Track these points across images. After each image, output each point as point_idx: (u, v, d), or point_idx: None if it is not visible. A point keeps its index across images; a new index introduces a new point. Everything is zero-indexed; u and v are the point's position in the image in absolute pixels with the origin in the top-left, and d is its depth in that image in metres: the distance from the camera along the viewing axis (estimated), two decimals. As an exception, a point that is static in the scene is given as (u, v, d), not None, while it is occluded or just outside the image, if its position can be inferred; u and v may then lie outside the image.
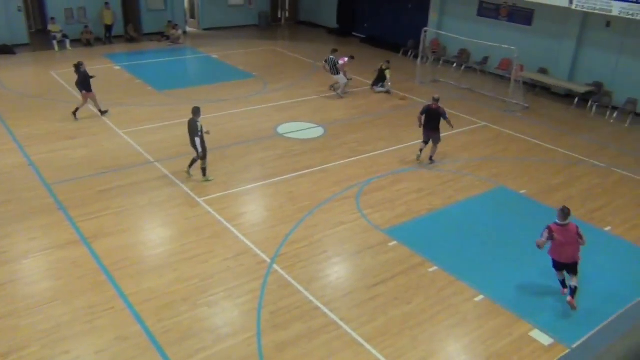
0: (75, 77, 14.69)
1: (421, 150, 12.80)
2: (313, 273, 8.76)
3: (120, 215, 10.18)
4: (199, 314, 7.73)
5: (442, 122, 12.55)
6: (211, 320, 7.64)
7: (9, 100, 15.96)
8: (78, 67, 14.53)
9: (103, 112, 15.03)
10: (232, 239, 9.58)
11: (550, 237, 8.07)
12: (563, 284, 8.54)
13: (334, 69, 17.36)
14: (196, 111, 11.11)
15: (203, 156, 11.27)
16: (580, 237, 8.11)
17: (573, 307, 8.17)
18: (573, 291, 8.21)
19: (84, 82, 14.48)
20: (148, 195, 10.89)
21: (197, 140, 11.00)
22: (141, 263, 8.83)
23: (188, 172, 11.58)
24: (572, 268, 8.24)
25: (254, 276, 8.59)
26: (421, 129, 12.68)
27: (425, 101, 17.35)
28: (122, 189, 11.08)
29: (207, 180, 11.50)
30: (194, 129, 11.04)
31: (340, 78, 17.49)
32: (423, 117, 12.54)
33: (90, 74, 14.68)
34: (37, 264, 8.74)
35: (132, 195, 10.88)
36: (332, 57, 17.42)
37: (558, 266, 8.35)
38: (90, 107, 15.06)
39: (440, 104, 12.50)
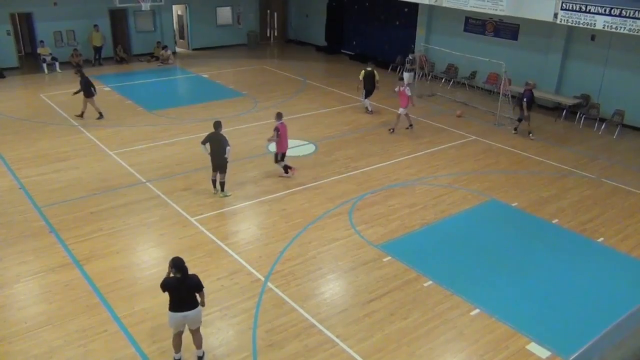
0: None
1: (516, 128, 16.25)
2: (308, 290, 8.72)
3: (113, 236, 10.12)
4: (194, 335, 7.65)
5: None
6: (206, 341, 7.55)
7: (-2, 124, 15.92)
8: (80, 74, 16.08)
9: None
10: (226, 257, 9.53)
11: (278, 134, 11.87)
12: (286, 168, 12.56)
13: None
14: (219, 124, 11.25)
15: (224, 169, 11.44)
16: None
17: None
18: (288, 167, 12.53)
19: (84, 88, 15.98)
20: (140, 216, 10.84)
21: (228, 149, 11.17)
22: (134, 284, 8.75)
23: (223, 193, 11.67)
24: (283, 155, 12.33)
25: (248, 295, 8.54)
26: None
27: (416, 117, 17.53)
28: (113, 210, 11.03)
29: (226, 196, 11.61)
30: (224, 141, 11.18)
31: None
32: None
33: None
34: (29, 287, 8.64)
35: (124, 216, 10.83)
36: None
37: (283, 157, 12.33)
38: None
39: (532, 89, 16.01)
